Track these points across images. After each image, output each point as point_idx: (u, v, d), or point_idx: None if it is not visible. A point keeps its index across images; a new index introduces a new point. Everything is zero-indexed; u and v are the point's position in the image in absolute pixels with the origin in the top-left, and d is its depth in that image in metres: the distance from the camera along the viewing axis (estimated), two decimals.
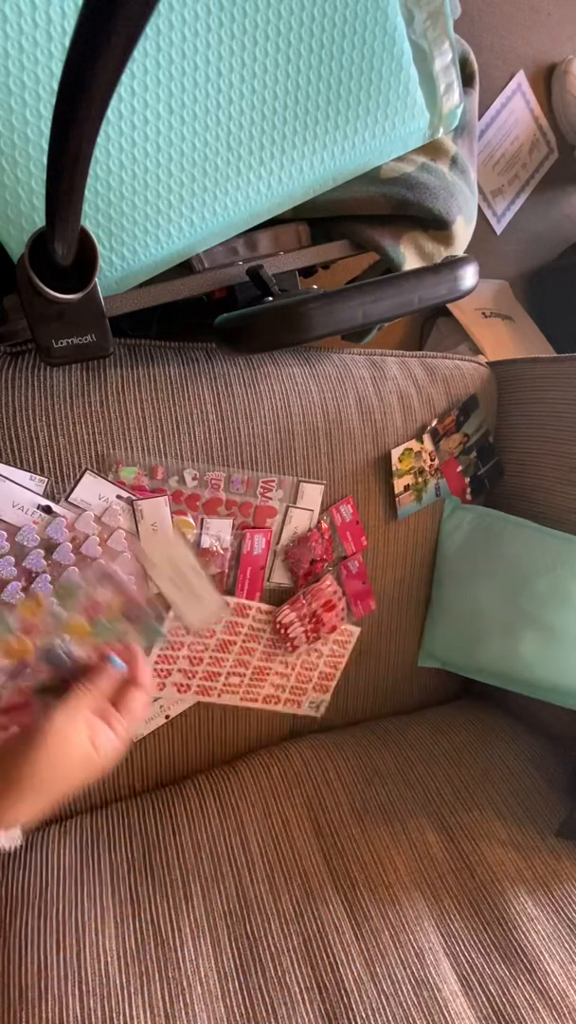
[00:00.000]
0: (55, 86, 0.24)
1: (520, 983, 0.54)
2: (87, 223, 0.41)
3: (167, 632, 0.61)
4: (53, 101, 0.24)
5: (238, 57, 0.48)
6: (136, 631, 0.46)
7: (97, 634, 0.45)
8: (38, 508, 0.53)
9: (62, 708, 0.40)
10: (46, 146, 0.27)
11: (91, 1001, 0.49)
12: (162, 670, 0.64)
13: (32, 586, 0.54)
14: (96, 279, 0.43)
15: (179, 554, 0.56)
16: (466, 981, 0.54)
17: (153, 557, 0.55)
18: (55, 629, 0.45)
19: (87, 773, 0.41)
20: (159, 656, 0.63)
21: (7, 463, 0.53)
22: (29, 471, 0.54)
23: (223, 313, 0.53)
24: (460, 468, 0.79)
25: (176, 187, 0.50)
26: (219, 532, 0.62)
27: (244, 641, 0.68)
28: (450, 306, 1.23)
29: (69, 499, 0.55)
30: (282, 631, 0.69)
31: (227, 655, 0.67)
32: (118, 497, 0.57)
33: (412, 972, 0.54)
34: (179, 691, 0.66)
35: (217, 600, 0.59)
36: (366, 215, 0.61)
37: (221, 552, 0.63)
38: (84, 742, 0.39)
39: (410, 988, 0.53)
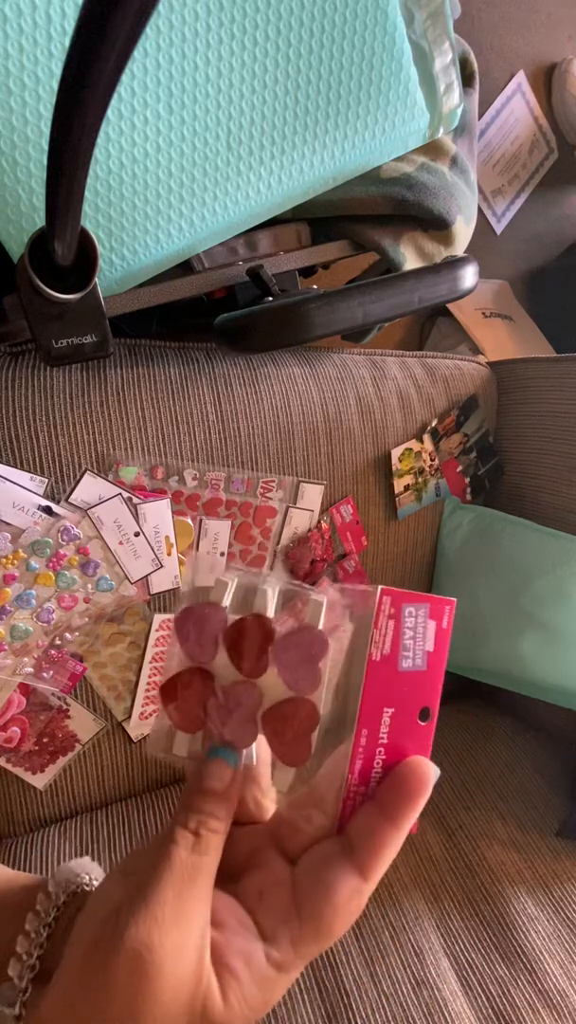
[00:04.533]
0: (55, 86, 0.24)
1: (520, 983, 0.54)
2: (87, 223, 0.41)
3: None
4: (53, 101, 0.24)
5: (238, 57, 0.48)
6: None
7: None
8: (38, 509, 0.53)
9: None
10: (46, 146, 0.27)
11: None
12: (156, 697, 0.64)
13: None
14: (96, 279, 0.43)
15: None
16: (466, 981, 0.54)
17: None
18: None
19: None
20: (149, 683, 0.63)
21: (7, 463, 0.53)
22: (29, 471, 0.54)
23: (223, 313, 0.53)
24: (460, 468, 0.79)
25: (176, 187, 0.50)
26: (217, 533, 0.62)
27: None
28: (450, 306, 1.23)
29: (69, 499, 0.55)
30: None
31: None
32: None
33: (412, 972, 0.54)
34: None
35: None
36: (366, 215, 0.61)
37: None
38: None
39: (410, 988, 0.53)
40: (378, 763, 0.23)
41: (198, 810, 0.22)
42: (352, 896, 0.21)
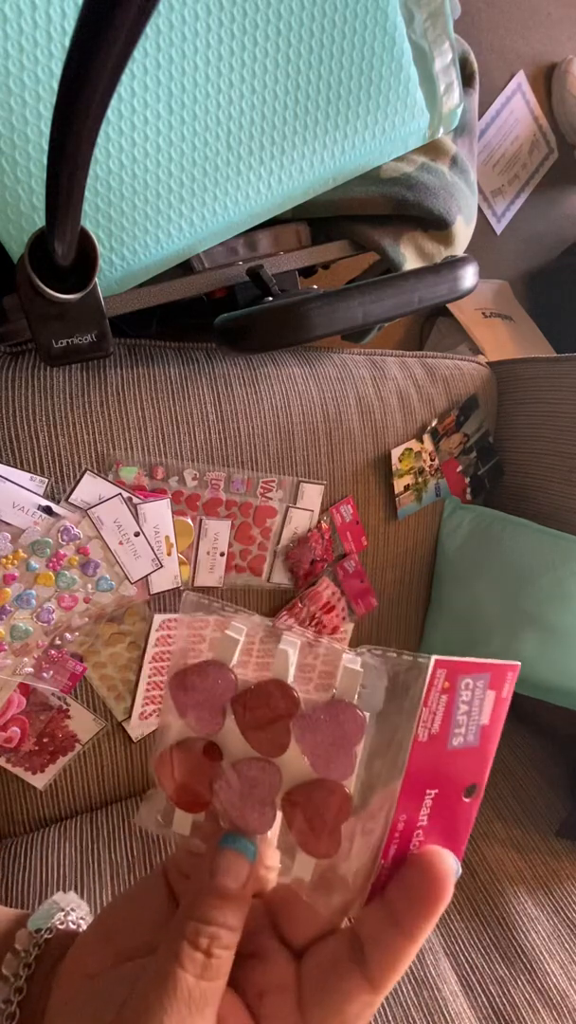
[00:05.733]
0: (55, 86, 0.24)
1: (520, 983, 0.54)
2: (87, 223, 0.41)
3: None
4: (53, 101, 0.24)
5: (238, 57, 0.48)
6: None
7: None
8: (38, 509, 0.53)
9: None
10: (46, 146, 0.27)
11: None
12: (156, 696, 0.64)
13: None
14: (96, 279, 0.43)
15: None
16: (466, 981, 0.54)
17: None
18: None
19: None
20: (148, 683, 0.63)
21: (7, 463, 0.53)
22: (29, 471, 0.54)
23: (223, 313, 0.53)
24: (460, 468, 0.79)
25: (176, 187, 0.50)
26: (217, 533, 0.62)
27: None
28: (450, 306, 1.23)
29: (69, 499, 0.55)
30: None
31: None
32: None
33: (412, 972, 0.54)
34: None
35: None
36: (366, 215, 0.61)
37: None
38: None
39: (410, 988, 0.53)
40: (415, 845, 0.20)
41: (210, 920, 0.19)
42: (363, 1010, 0.19)
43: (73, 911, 0.25)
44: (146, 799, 0.22)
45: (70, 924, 0.25)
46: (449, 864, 0.19)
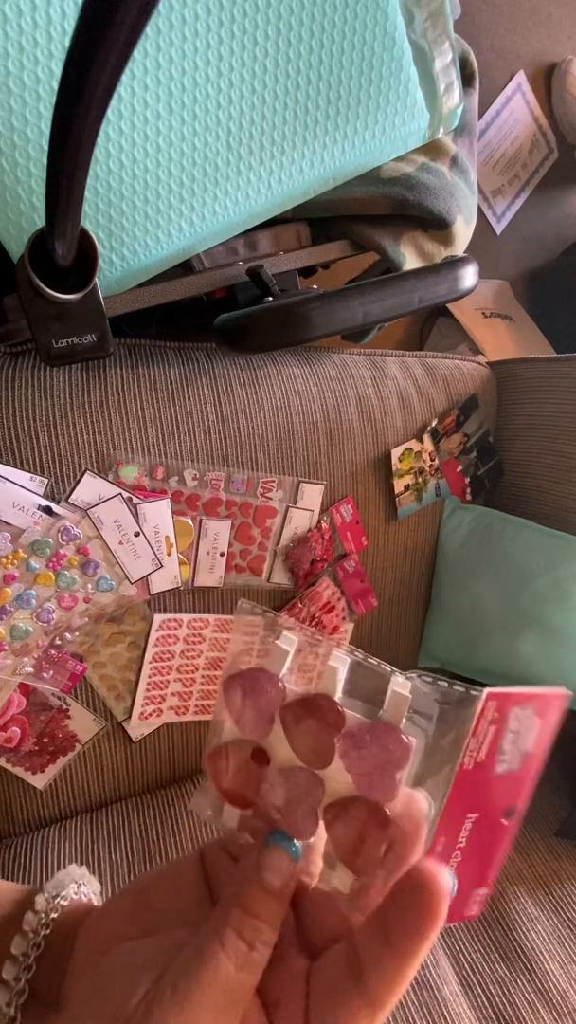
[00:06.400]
0: (55, 86, 0.24)
1: (520, 983, 0.54)
2: (87, 223, 0.41)
3: None
4: (53, 101, 0.24)
5: (238, 57, 0.48)
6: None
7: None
8: (38, 509, 0.53)
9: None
10: (46, 146, 0.27)
11: None
12: (156, 696, 0.64)
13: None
14: (96, 279, 0.43)
15: None
16: (466, 981, 0.54)
17: None
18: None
19: None
20: (149, 683, 0.63)
21: (7, 463, 0.53)
22: (29, 471, 0.54)
23: (223, 313, 0.53)
24: (460, 468, 0.79)
25: (176, 187, 0.50)
26: (217, 533, 0.62)
27: None
28: (450, 306, 1.23)
29: (69, 499, 0.55)
30: None
31: (220, 672, 0.67)
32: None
33: None
34: (178, 714, 0.66)
35: None
36: (366, 215, 0.61)
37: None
38: None
39: (410, 988, 0.53)
40: (453, 865, 0.21)
41: (255, 914, 0.19)
42: None
43: (85, 885, 0.26)
44: (201, 789, 0.24)
45: (83, 896, 0.25)
46: (443, 881, 0.18)
